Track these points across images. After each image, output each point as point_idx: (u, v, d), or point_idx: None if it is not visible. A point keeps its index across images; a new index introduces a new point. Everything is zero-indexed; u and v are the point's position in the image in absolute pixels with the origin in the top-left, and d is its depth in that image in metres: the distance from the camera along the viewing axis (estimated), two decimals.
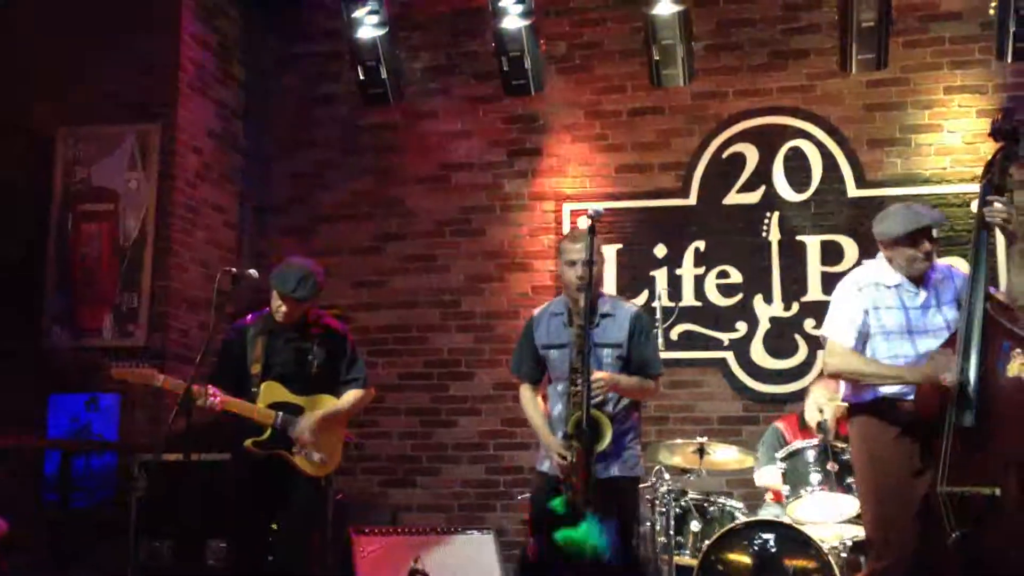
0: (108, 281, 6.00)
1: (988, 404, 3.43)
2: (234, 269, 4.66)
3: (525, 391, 4.23)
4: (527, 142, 6.49)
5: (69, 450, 5.59)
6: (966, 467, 3.44)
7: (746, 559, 4.77)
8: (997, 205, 3.63)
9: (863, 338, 3.85)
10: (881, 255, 3.94)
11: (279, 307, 4.45)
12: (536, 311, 4.27)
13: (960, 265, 3.92)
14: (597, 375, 3.88)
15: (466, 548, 5.29)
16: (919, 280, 3.85)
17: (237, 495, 4.45)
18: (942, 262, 4.12)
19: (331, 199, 6.66)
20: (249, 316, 4.60)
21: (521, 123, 6.50)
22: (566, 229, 6.26)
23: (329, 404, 4.49)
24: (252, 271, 4.61)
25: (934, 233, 3.84)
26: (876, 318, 3.83)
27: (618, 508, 3.95)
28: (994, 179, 3.70)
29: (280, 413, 4.39)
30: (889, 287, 3.86)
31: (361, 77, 6.13)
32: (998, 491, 3.37)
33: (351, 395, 4.55)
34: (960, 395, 3.47)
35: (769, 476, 5.16)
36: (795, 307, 6.04)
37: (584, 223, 4.00)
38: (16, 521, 4.75)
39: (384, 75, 6.13)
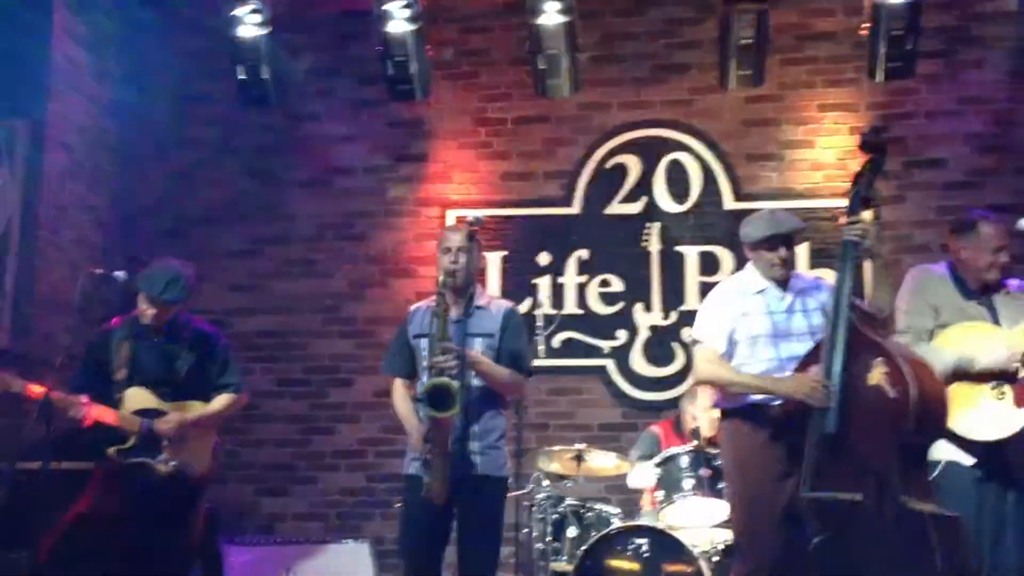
0: None
1: (850, 412, 3.53)
2: (100, 270, 4.49)
3: (396, 385, 4.18)
4: (412, 147, 6.45)
5: None
6: (829, 473, 3.53)
7: (621, 564, 4.82)
8: (858, 224, 3.76)
9: (732, 344, 3.95)
10: (750, 264, 4.06)
11: (147, 310, 4.31)
12: (413, 306, 4.27)
13: (830, 277, 4.04)
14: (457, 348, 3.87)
15: (341, 557, 5.21)
16: (784, 285, 3.98)
17: (101, 505, 4.27)
18: (812, 273, 4.26)
19: (208, 200, 6.49)
20: (115, 319, 4.43)
21: (406, 128, 6.46)
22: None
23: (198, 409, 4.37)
24: (119, 273, 4.42)
25: (793, 241, 4.00)
26: (744, 324, 3.94)
27: (481, 508, 3.95)
28: (862, 191, 3.83)
29: (145, 420, 4.25)
30: (756, 293, 3.99)
31: (242, 77, 6.00)
32: (859, 496, 3.46)
33: (221, 399, 4.43)
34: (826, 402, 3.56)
35: (641, 477, 5.23)
36: (674, 316, 6.15)
37: (465, 230, 4.02)
38: None
39: (266, 75, 6.01)
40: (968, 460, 3.93)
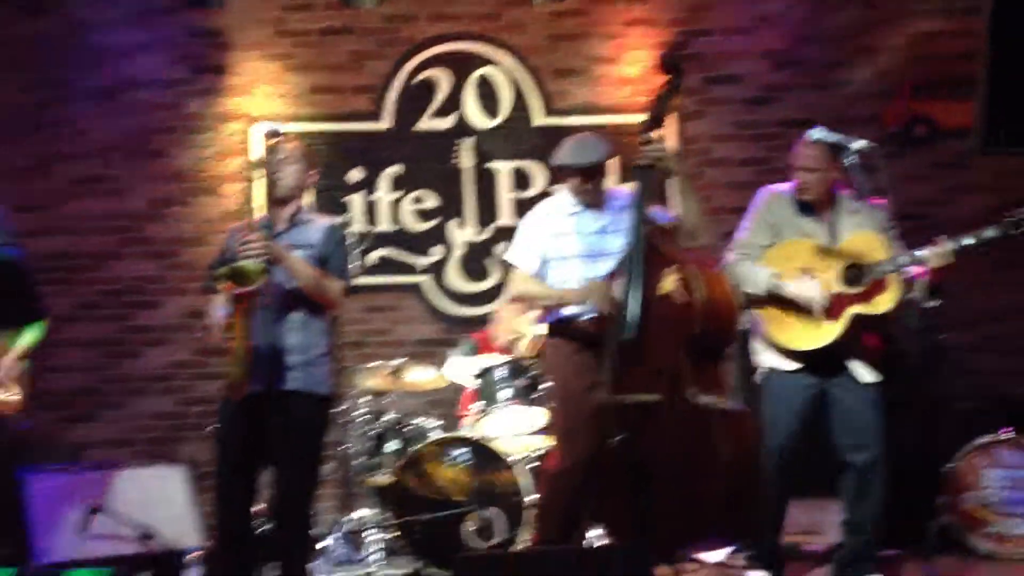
0: None
1: (646, 319, 3.98)
2: None
3: (213, 298, 4.21)
4: (211, 59, 6.46)
5: None
6: (629, 378, 3.98)
7: (440, 476, 5.19)
8: (650, 145, 4.14)
9: (545, 265, 4.35)
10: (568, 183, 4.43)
11: None
12: (234, 224, 4.42)
13: None
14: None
15: (153, 482, 5.34)
16: (599, 206, 4.36)
17: None
18: (628, 189, 4.66)
19: None
20: None
21: (205, 38, 6.46)
22: (254, 151, 6.34)
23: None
24: None
25: (597, 171, 4.31)
26: (557, 245, 4.34)
27: (300, 425, 4.15)
28: (657, 111, 4.23)
29: None
30: (569, 215, 4.37)
31: None
32: (655, 397, 3.95)
33: (33, 329, 4.50)
34: (623, 313, 4.00)
35: (458, 370, 5.62)
36: (488, 231, 6.51)
37: (264, 143, 4.17)
38: None
39: None
40: (789, 365, 4.47)
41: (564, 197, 4.42)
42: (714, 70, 6.54)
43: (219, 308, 4.10)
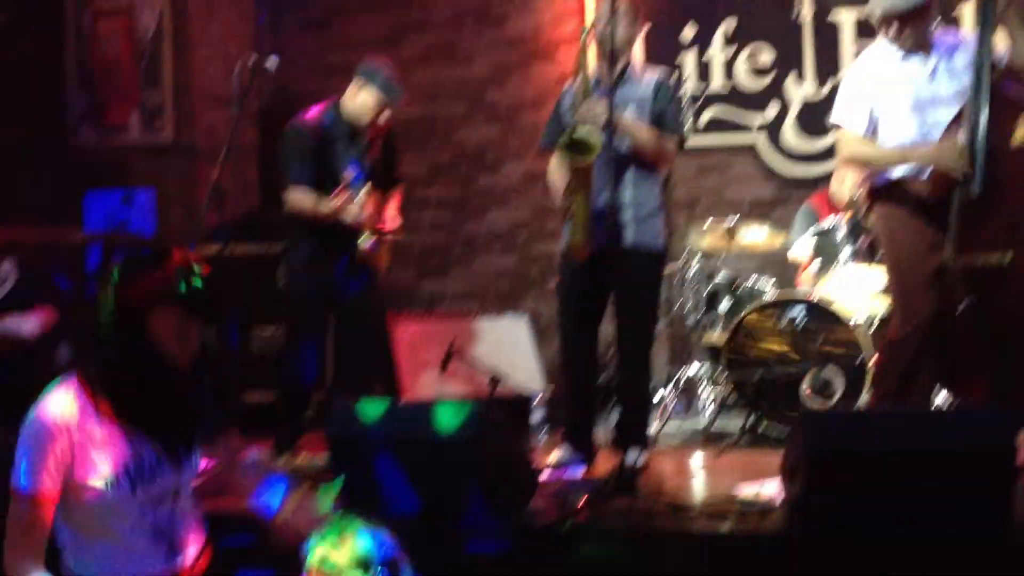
0: (130, 78, 6.35)
1: (994, 174, 3.77)
2: (257, 59, 4.80)
3: (552, 159, 4.43)
4: None
5: (109, 244, 6.00)
6: (976, 237, 3.82)
7: (776, 334, 5.20)
8: None
9: (873, 121, 4.14)
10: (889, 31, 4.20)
11: (375, 116, 4.68)
12: (568, 83, 4.53)
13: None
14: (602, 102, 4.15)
15: (501, 331, 5.77)
16: (925, 50, 4.08)
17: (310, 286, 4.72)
18: (958, 31, 4.36)
19: None
20: (310, 113, 4.72)
21: None
22: (589, 15, 6.45)
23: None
24: (272, 61, 4.70)
25: (917, 15, 4.00)
26: (884, 97, 4.11)
27: (637, 281, 4.32)
28: None
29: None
30: (896, 62, 4.11)
31: None
32: (1007, 257, 3.77)
33: (399, 189, 4.95)
34: (968, 167, 3.81)
35: (802, 249, 5.59)
36: (828, 87, 6.31)
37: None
38: (62, 312, 5.12)
39: None
40: None
41: (886, 45, 4.14)
42: None
43: (558, 171, 4.33)
